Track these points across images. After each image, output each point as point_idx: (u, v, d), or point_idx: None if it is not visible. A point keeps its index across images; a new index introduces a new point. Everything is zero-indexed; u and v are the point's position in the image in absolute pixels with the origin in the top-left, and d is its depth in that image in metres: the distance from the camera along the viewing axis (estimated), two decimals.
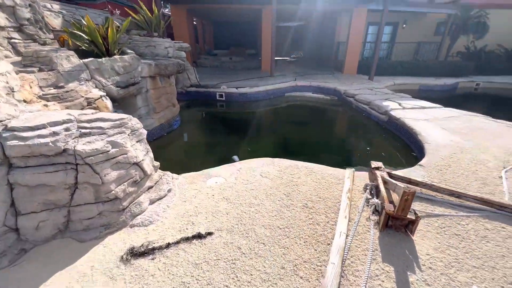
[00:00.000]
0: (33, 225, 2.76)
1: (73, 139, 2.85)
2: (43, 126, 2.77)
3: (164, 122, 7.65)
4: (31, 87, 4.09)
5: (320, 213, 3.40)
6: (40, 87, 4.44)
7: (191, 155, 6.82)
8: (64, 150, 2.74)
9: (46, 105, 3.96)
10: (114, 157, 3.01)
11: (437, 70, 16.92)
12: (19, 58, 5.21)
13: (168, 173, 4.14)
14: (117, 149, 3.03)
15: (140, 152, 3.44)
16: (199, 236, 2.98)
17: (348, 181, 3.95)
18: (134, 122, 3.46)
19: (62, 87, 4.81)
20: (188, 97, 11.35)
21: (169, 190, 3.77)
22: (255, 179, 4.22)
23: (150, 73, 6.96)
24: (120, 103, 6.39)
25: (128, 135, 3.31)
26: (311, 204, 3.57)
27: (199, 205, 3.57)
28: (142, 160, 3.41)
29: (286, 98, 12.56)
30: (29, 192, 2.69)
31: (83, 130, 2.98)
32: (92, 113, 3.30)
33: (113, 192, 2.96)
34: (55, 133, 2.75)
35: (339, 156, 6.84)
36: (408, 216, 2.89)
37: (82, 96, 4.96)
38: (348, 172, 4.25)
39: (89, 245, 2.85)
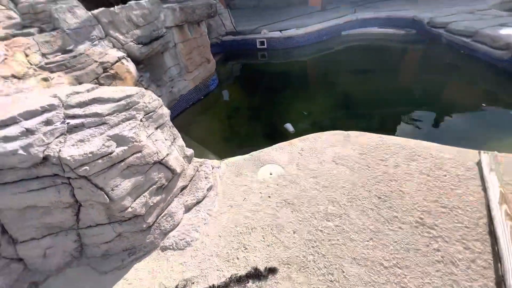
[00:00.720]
0: (38, 253, 2.07)
1: (57, 137, 1.85)
2: (12, 121, 1.80)
3: (199, 83, 6.46)
4: (27, 55, 3.16)
5: (451, 239, 2.02)
6: (44, 54, 3.50)
7: (233, 124, 5.67)
8: (45, 158, 1.77)
9: (46, 79, 3.04)
10: (122, 160, 1.98)
11: None
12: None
13: (207, 161, 3.08)
14: (126, 148, 1.97)
15: (163, 143, 2.36)
16: (256, 275, 1.97)
17: (494, 177, 2.34)
18: (147, 99, 2.30)
19: (70, 51, 3.82)
20: (224, 49, 9.71)
21: (209, 188, 2.76)
22: (326, 168, 2.91)
23: (176, 21, 5.52)
24: (146, 65, 5.31)
25: (141, 120, 2.21)
26: (430, 220, 2.18)
27: (251, 213, 2.51)
28: (167, 154, 2.35)
29: (344, 38, 9.93)
30: (19, 215, 1.91)
31: (73, 121, 1.95)
32: (88, 91, 2.23)
33: (129, 210, 2.03)
34: (28, 132, 1.77)
35: (439, 120, 4.82)
36: None
37: (96, 61, 3.94)
38: (486, 157, 2.58)
39: (110, 279, 2.09)
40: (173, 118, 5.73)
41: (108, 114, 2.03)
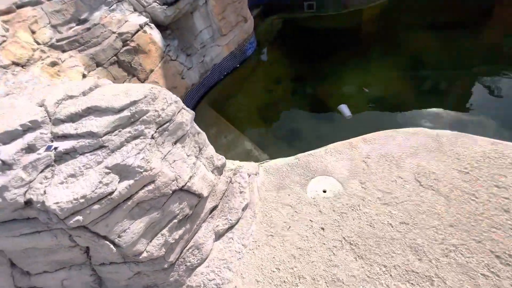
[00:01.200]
0: (55, 284, 1.84)
1: (41, 172, 1.37)
2: None
3: (235, 48, 5.52)
4: (33, 32, 2.65)
5: None
6: (54, 26, 2.97)
7: (274, 101, 4.79)
8: (27, 203, 1.33)
9: (54, 63, 2.55)
10: (128, 199, 1.46)
11: None
12: None
13: (243, 168, 2.46)
14: (132, 182, 1.43)
15: (184, 163, 1.76)
16: None
17: None
18: (161, 104, 1.64)
19: (85, 20, 3.23)
20: (264, 0, 8.17)
21: (245, 208, 2.21)
22: (405, 190, 2.08)
23: None
24: (173, 31, 4.52)
25: (153, 137, 1.60)
26: None
27: (298, 251, 1.92)
28: (191, 177, 1.78)
29: None
30: (21, 254, 1.61)
31: (62, 146, 1.43)
32: (84, 93, 1.64)
33: (144, 254, 1.59)
34: (5, 166, 1.31)
35: None
36: None
37: (114, 32, 3.30)
38: None
39: None
40: (204, 94, 5.11)
41: (107, 133, 1.45)
